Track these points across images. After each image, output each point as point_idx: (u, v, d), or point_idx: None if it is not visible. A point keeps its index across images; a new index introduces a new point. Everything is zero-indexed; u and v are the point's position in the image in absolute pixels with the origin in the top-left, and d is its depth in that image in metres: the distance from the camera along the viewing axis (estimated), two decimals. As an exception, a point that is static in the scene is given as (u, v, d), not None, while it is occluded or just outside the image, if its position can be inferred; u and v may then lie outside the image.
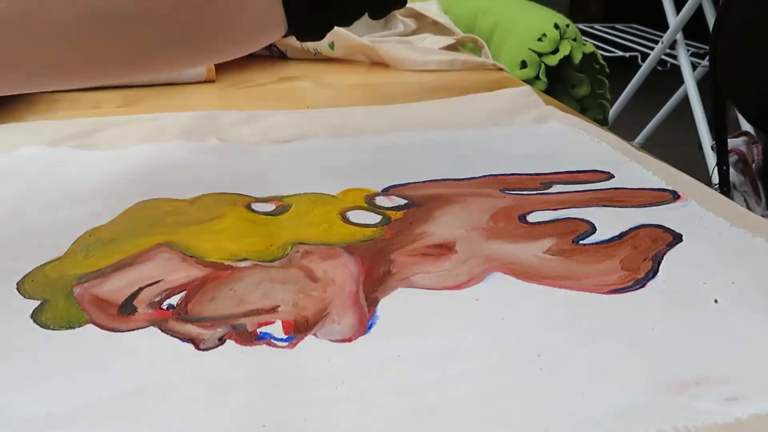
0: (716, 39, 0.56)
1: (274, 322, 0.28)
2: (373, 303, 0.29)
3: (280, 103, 0.56)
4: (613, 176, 0.42)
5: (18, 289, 0.30)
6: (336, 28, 0.65)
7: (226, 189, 0.39)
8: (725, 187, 0.64)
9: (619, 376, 0.25)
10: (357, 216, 0.37)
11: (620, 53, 1.93)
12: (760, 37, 0.47)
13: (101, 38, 0.33)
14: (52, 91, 0.58)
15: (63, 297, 0.29)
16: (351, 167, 0.43)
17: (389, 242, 0.34)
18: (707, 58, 1.80)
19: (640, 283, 0.31)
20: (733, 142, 0.66)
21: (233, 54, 0.39)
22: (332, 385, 0.25)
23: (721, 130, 0.64)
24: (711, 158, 1.56)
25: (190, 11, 0.35)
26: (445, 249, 0.34)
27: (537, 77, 0.97)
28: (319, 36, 0.41)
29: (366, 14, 0.42)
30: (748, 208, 0.63)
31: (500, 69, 0.71)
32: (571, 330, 0.28)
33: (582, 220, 0.37)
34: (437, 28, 0.81)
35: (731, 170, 0.64)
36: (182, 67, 0.37)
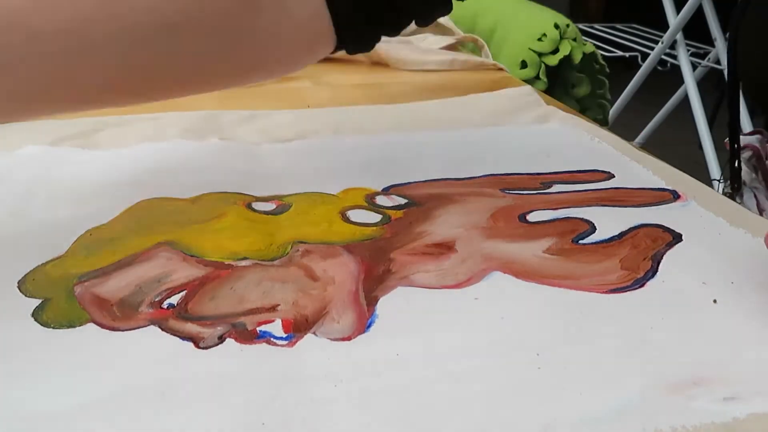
0: (736, 34, 0.56)
1: (273, 321, 0.28)
2: (372, 302, 0.29)
3: (280, 103, 0.56)
4: (613, 176, 0.42)
5: (19, 287, 0.30)
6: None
7: (226, 188, 0.39)
8: (736, 184, 0.64)
9: (618, 375, 0.25)
10: (357, 215, 0.37)
11: (620, 53, 1.93)
12: None
13: (147, 53, 0.32)
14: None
15: (64, 296, 0.29)
16: (351, 166, 0.43)
17: (389, 241, 0.34)
18: (708, 57, 1.80)
19: (640, 283, 0.31)
20: (747, 140, 0.66)
21: (282, 71, 0.39)
22: (331, 383, 0.25)
23: (734, 127, 0.64)
24: (711, 158, 1.56)
25: (237, 22, 0.34)
26: (444, 248, 0.34)
27: (537, 77, 0.97)
28: (368, 48, 0.41)
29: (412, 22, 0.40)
30: (758, 204, 0.63)
31: (500, 69, 0.71)
32: (570, 329, 0.28)
33: (582, 219, 0.37)
34: (437, 28, 0.81)
35: (743, 167, 0.64)
36: (229, 85, 0.38)
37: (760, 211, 0.62)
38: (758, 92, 0.59)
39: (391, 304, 0.29)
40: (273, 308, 0.29)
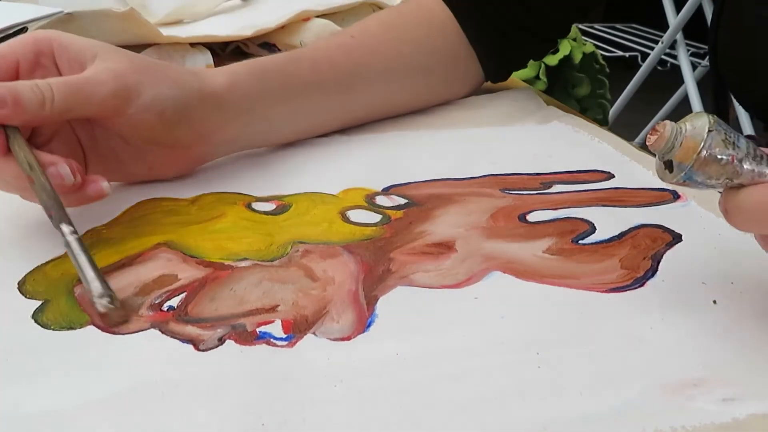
0: (715, 33, 0.57)
1: (273, 322, 0.28)
2: (372, 301, 0.29)
3: (281, 103, 0.56)
4: (613, 176, 0.42)
5: (19, 288, 0.30)
6: (336, 26, 0.65)
7: (226, 188, 0.39)
8: None
9: (617, 375, 0.25)
10: (357, 215, 0.37)
11: (620, 53, 1.93)
12: (762, 31, 0.48)
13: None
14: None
15: (64, 297, 0.29)
16: (351, 167, 0.43)
17: (389, 241, 0.34)
18: (708, 57, 1.80)
19: (639, 282, 0.31)
20: None
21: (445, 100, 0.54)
22: (331, 383, 0.25)
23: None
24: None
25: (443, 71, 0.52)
26: (444, 248, 0.34)
27: (537, 77, 0.97)
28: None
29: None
30: None
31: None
32: (569, 329, 0.28)
33: (582, 219, 0.37)
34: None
35: None
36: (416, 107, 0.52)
37: None
38: (740, 95, 0.60)
39: (391, 303, 0.29)
40: (273, 309, 0.29)
